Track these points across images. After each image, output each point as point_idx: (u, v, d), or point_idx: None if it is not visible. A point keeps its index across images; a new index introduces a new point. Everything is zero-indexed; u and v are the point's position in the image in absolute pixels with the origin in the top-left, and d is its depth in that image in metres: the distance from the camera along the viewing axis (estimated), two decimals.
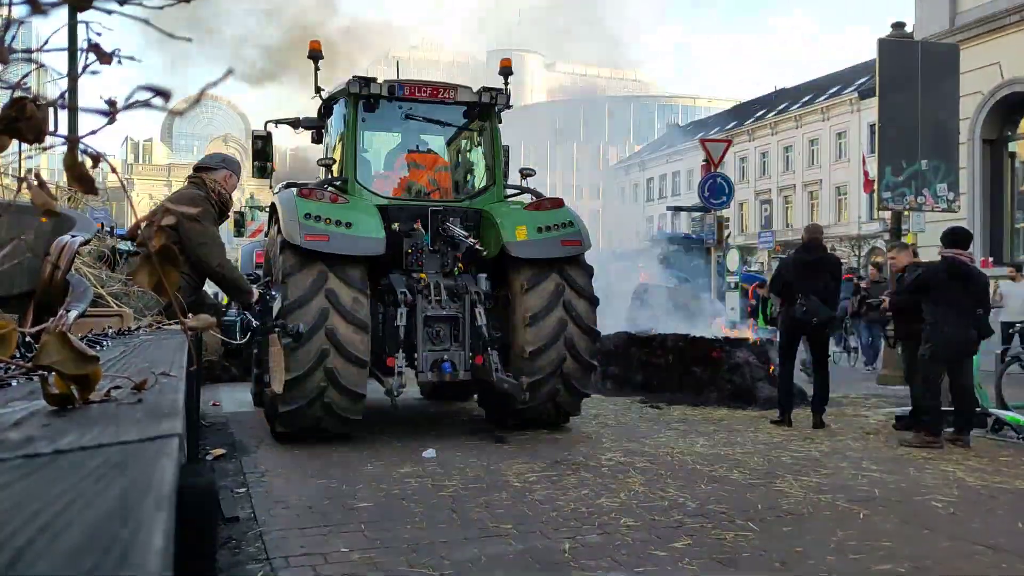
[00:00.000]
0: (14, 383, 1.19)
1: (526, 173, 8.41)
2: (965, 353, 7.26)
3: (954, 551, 4.26)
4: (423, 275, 7.38)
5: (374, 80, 7.84)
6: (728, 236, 17.37)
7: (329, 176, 8.03)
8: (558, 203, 7.74)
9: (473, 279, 7.52)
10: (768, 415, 8.65)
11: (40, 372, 1.01)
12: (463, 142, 8.74)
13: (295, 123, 8.93)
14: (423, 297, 7.28)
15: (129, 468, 0.69)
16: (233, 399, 10.00)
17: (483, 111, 8.23)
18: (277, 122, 8.95)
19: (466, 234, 7.38)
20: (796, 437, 7.55)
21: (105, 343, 1.87)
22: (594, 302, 7.58)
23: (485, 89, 8.12)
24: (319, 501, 5.10)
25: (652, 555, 4.10)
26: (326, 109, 8.55)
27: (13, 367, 1.17)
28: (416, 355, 7.27)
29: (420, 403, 9.73)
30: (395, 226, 7.41)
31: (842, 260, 11.86)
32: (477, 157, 8.55)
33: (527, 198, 8.26)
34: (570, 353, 7.31)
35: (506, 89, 8.22)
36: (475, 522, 4.67)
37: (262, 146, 8.81)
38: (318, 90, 8.30)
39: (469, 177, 8.58)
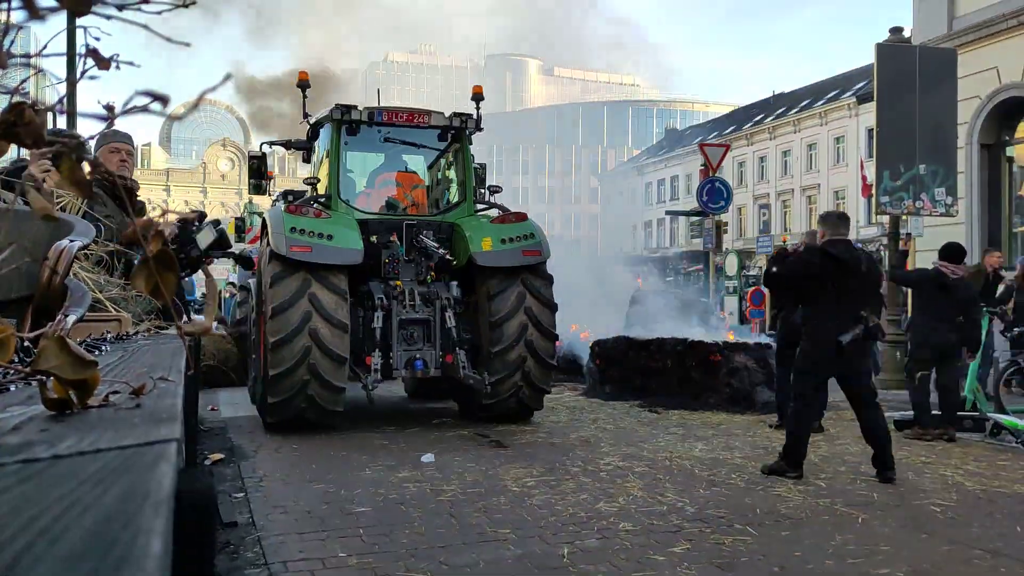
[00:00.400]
0: (12, 388, 1.19)
1: (493, 190, 9.23)
2: (942, 355, 7.81)
3: (953, 555, 4.26)
4: (399, 282, 8.18)
5: (355, 107, 8.68)
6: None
7: (315, 193, 8.87)
8: (522, 217, 8.51)
9: (445, 286, 8.34)
10: (767, 419, 8.65)
11: (38, 377, 1.01)
12: (437, 162, 9.61)
13: (287, 144, 9.79)
14: (398, 302, 8.11)
15: (127, 473, 0.69)
16: (231, 404, 9.99)
17: (455, 134, 9.04)
18: (271, 143, 9.90)
19: (437, 245, 8.15)
20: None
21: (103, 348, 1.87)
22: (553, 307, 8.27)
23: (456, 114, 8.90)
24: (317, 506, 5.09)
25: (651, 560, 4.10)
26: (313, 132, 9.34)
27: (11, 372, 1.17)
28: (392, 354, 8.07)
29: (419, 408, 9.73)
30: (373, 238, 8.17)
31: None
32: (450, 175, 9.41)
33: (496, 212, 8.93)
34: (531, 353, 8.01)
35: (477, 113, 8.97)
36: (473, 527, 4.66)
37: (258, 165, 9.82)
38: (306, 115, 9.21)
39: (442, 193, 9.47)
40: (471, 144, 9.14)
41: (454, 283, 8.44)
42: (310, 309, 7.34)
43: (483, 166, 9.67)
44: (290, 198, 9.41)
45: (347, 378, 7.70)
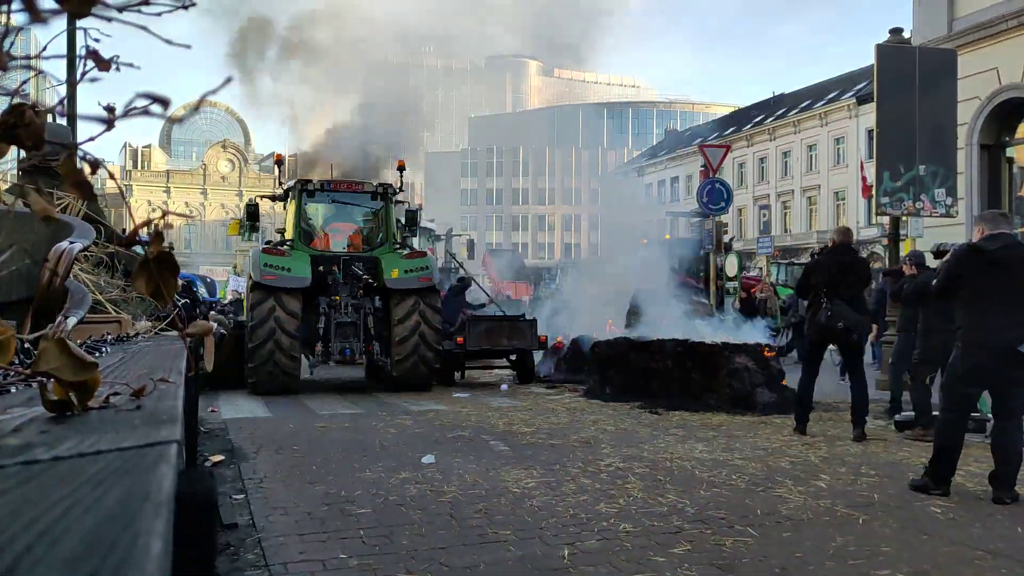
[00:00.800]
0: (13, 389, 1.19)
1: (404, 236, 13.46)
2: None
3: (953, 556, 4.26)
4: (337, 297, 12.05)
5: (311, 180, 12.90)
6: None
7: (282, 238, 12.92)
8: (423, 254, 12.59)
9: (369, 300, 12.24)
10: (767, 420, 8.65)
11: (39, 378, 1.01)
12: (369, 214, 13.50)
13: (272, 197, 13.93)
14: (336, 311, 12.06)
15: (128, 474, 0.69)
16: (232, 405, 9.99)
17: (382, 195, 12.93)
18: (261, 197, 14.23)
19: (363, 273, 12.02)
20: (795, 442, 7.55)
21: (104, 349, 1.87)
22: (439, 317, 11.84)
23: (381, 184, 13.05)
24: (318, 507, 5.09)
25: (651, 561, 4.10)
26: (285, 193, 13.24)
27: (12, 373, 1.17)
28: (330, 345, 12.03)
29: (418, 407, 9.74)
30: (320, 268, 11.93)
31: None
32: (377, 224, 13.30)
33: (407, 249, 12.80)
34: (422, 347, 11.54)
35: (400, 180, 13.19)
36: (474, 528, 4.66)
37: (252, 212, 13.50)
38: (280, 183, 13.47)
39: (374, 236, 13.24)
40: (393, 203, 13.08)
41: (376, 298, 12.22)
42: (274, 326, 10.93)
43: (419, 207, 13.79)
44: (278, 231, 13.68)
45: (298, 365, 11.34)
